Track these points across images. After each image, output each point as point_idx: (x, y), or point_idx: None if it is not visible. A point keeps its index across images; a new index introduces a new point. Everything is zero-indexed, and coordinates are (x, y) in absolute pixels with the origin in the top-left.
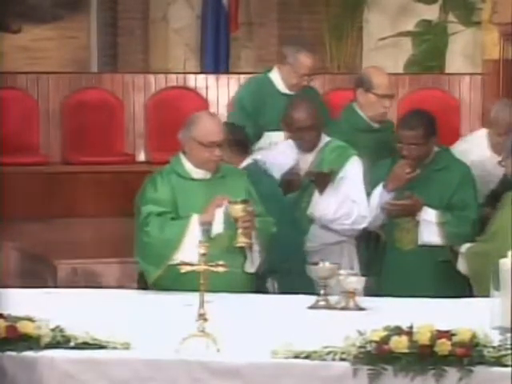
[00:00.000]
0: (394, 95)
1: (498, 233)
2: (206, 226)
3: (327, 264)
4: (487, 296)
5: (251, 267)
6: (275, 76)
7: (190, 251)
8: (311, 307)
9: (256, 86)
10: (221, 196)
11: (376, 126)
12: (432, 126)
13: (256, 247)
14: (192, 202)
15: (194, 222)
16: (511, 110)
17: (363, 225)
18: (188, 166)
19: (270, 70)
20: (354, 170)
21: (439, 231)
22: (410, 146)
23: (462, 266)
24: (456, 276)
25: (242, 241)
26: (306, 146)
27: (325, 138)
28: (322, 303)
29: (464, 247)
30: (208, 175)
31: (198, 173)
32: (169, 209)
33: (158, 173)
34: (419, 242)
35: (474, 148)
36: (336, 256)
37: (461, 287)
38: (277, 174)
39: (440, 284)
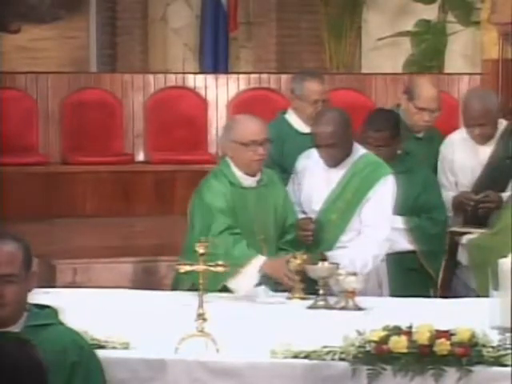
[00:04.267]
0: (436, 110)
1: (506, 229)
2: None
3: (326, 264)
4: (487, 289)
5: None
6: (291, 117)
7: (243, 285)
8: (310, 307)
9: (275, 130)
10: (288, 255)
11: (419, 135)
12: (397, 126)
13: None
14: (241, 211)
15: (255, 266)
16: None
17: (382, 249)
18: (238, 173)
19: (284, 112)
20: (382, 191)
21: (409, 237)
22: (379, 147)
23: (462, 257)
24: (421, 285)
25: (299, 296)
26: (327, 162)
27: (359, 151)
28: (321, 303)
29: (465, 238)
30: (254, 183)
31: (247, 180)
32: (233, 220)
33: (212, 178)
34: (389, 250)
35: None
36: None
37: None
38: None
39: (404, 292)
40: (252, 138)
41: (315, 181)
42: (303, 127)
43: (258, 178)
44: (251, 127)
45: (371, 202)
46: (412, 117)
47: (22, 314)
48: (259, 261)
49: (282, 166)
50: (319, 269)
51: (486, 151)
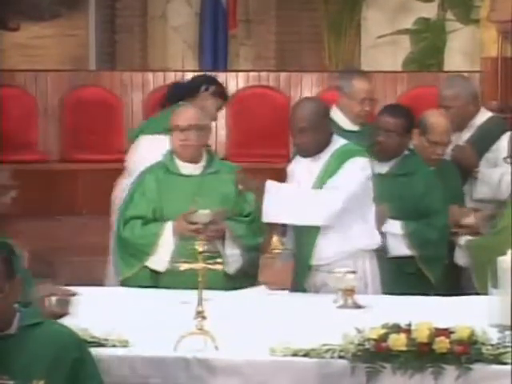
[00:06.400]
0: (448, 143)
1: (507, 228)
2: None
3: (207, 210)
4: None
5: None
6: (336, 114)
7: (162, 257)
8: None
9: None
10: (193, 207)
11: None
12: (412, 122)
13: (235, 250)
14: (178, 199)
15: (168, 230)
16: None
17: (334, 205)
18: (177, 161)
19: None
20: (348, 168)
21: (406, 242)
22: (389, 132)
23: (460, 258)
24: (420, 289)
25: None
26: (300, 151)
27: (339, 142)
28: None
29: (464, 240)
30: (197, 170)
31: (185, 167)
32: (150, 211)
33: (148, 169)
34: (388, 255)
35: None
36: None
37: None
38: None
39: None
40: (175, 123)
41: (299, 178)
42: (348, 125)
43: (200, 164)
44: (178, 114)
45: (334, 176)
46: (424, 151)
47: (14, 317)
48: (169, 225)
49: None
50: (200, 215)
51: (463, 137)
